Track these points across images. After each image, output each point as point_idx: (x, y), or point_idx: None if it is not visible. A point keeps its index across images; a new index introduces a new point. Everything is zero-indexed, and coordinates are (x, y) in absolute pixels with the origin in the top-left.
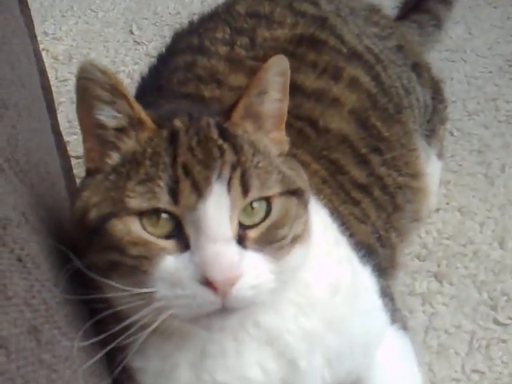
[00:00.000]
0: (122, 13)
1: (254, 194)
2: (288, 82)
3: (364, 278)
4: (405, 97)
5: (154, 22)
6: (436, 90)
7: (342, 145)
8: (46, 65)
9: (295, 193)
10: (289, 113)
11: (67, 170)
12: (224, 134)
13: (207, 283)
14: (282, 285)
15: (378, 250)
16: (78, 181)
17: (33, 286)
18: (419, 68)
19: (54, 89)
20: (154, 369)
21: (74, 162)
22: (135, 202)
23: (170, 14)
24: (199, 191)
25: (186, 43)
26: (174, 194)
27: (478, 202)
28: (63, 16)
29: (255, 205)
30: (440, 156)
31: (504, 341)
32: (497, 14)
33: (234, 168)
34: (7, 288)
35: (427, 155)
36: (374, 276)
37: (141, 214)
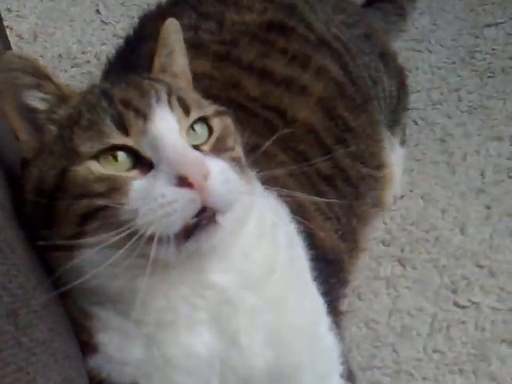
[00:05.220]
0: None
1: (194, 113)
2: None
3: (305, 266)
4: (372, 88)
5: (121, 2)
6: (400, 79)
7: (309, 135)
8: (11, 43)
9: (225, 112)
10: (257, 100)
11: None
12: (151, 79)
13: (182, 183)
14: (239, 224)
15: (342, 264)
16: None
17: (9, 271)
18: (386, 57)
19: None
20: (115, 343)
21: None
22: (88, 146)
23: None
24: (144, 115)
25: (152, 29)
26: (122, 126)
27: (441, 190)
28: None
29: (197, 127)
30: (402, 143)
31: (463, 322)
32: (461, 6)
33: (169, 93)
34: None
35: (391, 144)
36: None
37: (97, 157)
